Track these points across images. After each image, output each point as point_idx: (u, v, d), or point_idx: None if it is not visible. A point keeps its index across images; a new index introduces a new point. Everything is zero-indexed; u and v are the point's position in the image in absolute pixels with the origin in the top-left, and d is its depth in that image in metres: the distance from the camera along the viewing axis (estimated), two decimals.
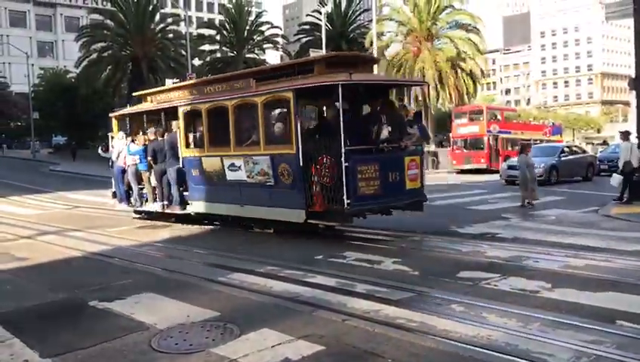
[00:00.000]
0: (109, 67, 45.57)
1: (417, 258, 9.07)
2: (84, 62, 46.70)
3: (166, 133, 13.67)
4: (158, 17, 48.33)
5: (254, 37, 51.87)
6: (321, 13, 37.18)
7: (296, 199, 10.51)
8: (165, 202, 13.75)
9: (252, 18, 52.89)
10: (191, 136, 13.00)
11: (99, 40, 46.83)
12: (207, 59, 52.16)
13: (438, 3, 38.42)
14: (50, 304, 7.20)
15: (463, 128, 33.56)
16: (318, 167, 10.19)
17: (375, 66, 16.63)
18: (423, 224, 12.07)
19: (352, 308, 6.38)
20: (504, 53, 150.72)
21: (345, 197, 9.73)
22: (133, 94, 17.46)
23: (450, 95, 38.90)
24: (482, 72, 40.56)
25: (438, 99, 43.42)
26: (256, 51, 52.88)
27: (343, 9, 50.64)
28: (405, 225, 12.12)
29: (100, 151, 17.76)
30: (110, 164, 15.66)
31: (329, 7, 40.58)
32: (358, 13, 53.00)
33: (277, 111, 11.60)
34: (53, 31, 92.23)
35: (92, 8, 69.31)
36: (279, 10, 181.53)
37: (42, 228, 14.37)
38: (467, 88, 39.01)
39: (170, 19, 49.91)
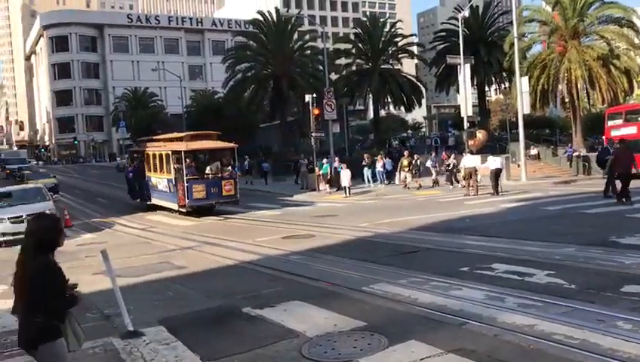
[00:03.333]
0: (252, 86, 47.98)
1: (573, 270, 8.43)
2: (230, 83, 49.68)
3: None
4: (296, 36, 50.16)
5: (389, 48, 51.97)
6: (457, 20, 36.33)
7: (174, 198, 21.91)
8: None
9: (387, 29, 53.03)
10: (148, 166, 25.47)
11: (242, 61, 49.48)
12: (344, 72, 53.13)
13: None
14: (207, 310, 7.68)
15: (617, 130, 30.87)
16: (179, 185, 21.47)
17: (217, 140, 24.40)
18: (577, 234, 11.27)
19: (503, 323, 6.08)
20: None
21: (187, 199, 21.13)
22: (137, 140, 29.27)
23: (601, 95, 36.03)
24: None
25: (588, 100, 40.41)
26: (391, 62, 52.94)
27: (480, 13, 49.20)
28: (557, 235, 11.39)
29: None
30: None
31: (466, 12, 39.58)
32: (496, 16, 51.19)
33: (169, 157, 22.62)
34: (202, 55, 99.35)
35: (236, 31, 73.53)
36: (414, 19, 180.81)
37: (198, 238, 15.42)
38: (622, 86, 35.87)
39: (307, 37, 51.49)
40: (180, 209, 21.63)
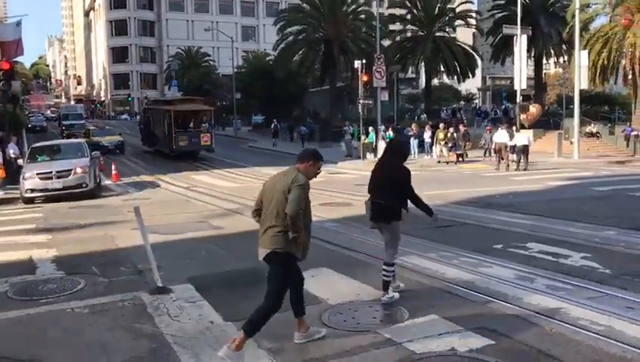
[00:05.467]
0: (303, 49, 47.69)
1: (610, 255, 8.16)
2: (281, 45, 49.49)
3: None
4: None
5: (445, 14, 50.50)
6: None
7: (166, 145, 30.98)
8: None
9: None
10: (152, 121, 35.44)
11: (294, 23, 49.09)
12: (397, 38, 52.06)
13: None
14: (236, 271, 7.82)
15: None
16: (169, 136, 30.37)
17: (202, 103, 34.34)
18: (622, 218, 10.88)
19: (528, 304, 5.97)
20: None
21: (173, 145, 30.14)
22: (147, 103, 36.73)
23: None
24: None
25: None
26: (446, 29, 51.50)
27: None
28: (600, 216, 11.03)
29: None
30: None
31: None
32: None
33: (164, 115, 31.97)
34: (256, 16, 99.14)
35: None
36: None
37: (237, 200, 15.65)
38: None
39: (362, 0, 50.56)
40: (170, 153, 30.71)
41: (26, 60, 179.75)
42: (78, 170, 16.75)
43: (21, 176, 16.67)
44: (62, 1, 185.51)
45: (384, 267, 6.31)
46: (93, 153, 18.69)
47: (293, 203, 4.67)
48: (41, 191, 16.32)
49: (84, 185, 16.77)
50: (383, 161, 6.62)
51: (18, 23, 38.33)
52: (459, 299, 6.27)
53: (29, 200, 16.42)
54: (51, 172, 16.48)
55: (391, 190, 6.19)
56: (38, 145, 20.62)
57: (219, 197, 16.48)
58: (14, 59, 36.64)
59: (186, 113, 31.53)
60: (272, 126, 43.51)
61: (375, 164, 6.74)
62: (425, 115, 48.41)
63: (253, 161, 29.16)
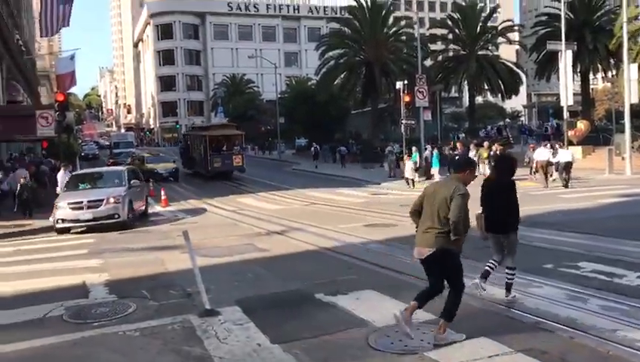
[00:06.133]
0: (344, 72, 48.03)
1: None
2: (323, 69, 49.99)
3: None
4: (391, 21, 49.52)
5: (487, 33, 50.12)
6: (560, 2, 34.38)
7: (202, 167, 35.02)
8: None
9: (485, 13, 51.14)
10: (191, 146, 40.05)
11: (336, 47, 49.58)
12: (439, 58, 51.90)
13: None
14: (282, 293, 7.88)
15: None
16: (205, 158, 34.54)
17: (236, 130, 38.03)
18: None
19: (582, 325, 5.80)
20: None
21: (209, 167, 33.90)
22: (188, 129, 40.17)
23: None
24: None
25: None
26: (489, 47, 51.07)
27: None
28: None
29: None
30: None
31: None
32: None
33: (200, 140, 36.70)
34: (298, 42, 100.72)
35: (331, 18, 73.77)
36: (515, 3, 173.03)
37: (282, 222, 15.78)
38: None
39: (402, 22, 50.67)
40: (206, 174, 33.98)
41: (79, 91, 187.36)
42: (111, 200, 15.82)
43: (54, 206, 15.93)
44: (112, 34, 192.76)
45: (508, 271, 6.89)
46: (132, 181, 17.55)
47: (456, 210, 5.31)
48: (72, 221, 15.72)
49: (116, 216, 15.74)
50: (495, 176, 7.22)
51: (72, 57, 39.90)
52: (508, 320, 6.15)
53: (62, 231, 15.74)
54: (82, 202, 15.69)
55: (507, 203, 6.86)
56: (77, 173, 20.21)
57: (265, 220, 16.64)
58: (68, 91, 38.03)
59: (219, 138, 35.26)
60: (312, 148, 45.34)
61: (485, 179, 7.38)
62: (464, 134, 47.92)
63: (296, 183, 29.36)
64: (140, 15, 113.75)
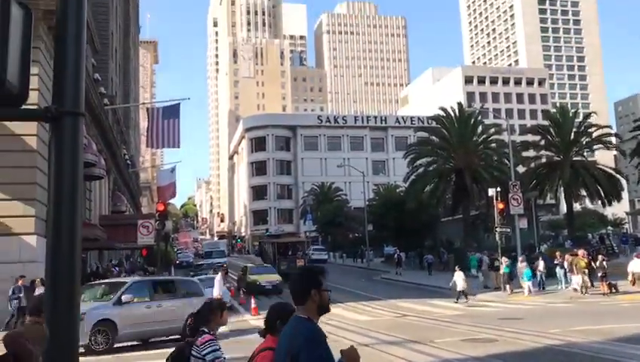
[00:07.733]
0: (434, 180, 47.85)
1: None
2: (412, 177, 50.12)
3: None
4: (480, 129, 49.51)
5: (582, 139, 48.82)
6: None
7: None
8: None
9: (579, 120, 50.13)
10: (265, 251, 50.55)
11: (424, 155, 49.89)
12: (532, 165, 50.81)
13: None
14: None
15: None
16: (275, 261, 40.20)
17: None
18: None
19: None
20: None
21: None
22: (263, 238, 47.25)
23: None
24: None
25: None
26: (585, 153, 49.53)
27: None
28: None
29: None
30: None
31: None
32: None
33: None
34: (385, 151, 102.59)
35: (418, 127, 74.86)
36: (610, 108, 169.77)
37: (375, 334, 15.16)
38: None
39: (492, 130, 50.55)
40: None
41: (177, 201, 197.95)
42: None
43: None
44: (210, 147, 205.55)
45: None
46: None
47: None
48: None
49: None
50: None
51: (172, 169, 42.62)
52: None
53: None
54: None
55: None
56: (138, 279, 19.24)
57: (355, 332, 16.07)
58: (168, 201, 40.21)
59: (286, 244, 43.30)
60: (395, 256, 46.02)
61: None
62: (569, 241, 45.50)
63: (385, 293, 28.59)
64: (236, 130, 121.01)
